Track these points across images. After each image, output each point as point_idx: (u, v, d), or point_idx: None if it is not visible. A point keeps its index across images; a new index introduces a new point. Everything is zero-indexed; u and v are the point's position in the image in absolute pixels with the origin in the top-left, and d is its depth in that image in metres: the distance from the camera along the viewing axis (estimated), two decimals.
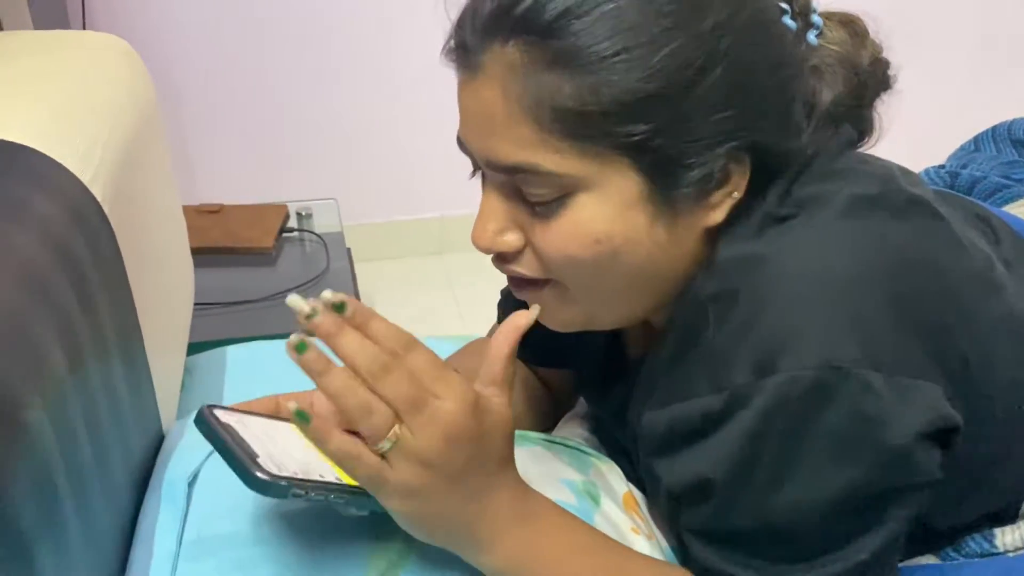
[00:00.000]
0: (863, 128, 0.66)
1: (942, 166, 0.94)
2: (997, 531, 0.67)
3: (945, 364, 0.57)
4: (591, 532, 0.63)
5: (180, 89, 2.06)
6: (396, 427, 0.52)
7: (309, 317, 0.52)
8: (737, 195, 0.60)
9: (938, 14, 2.46)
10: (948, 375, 0.57)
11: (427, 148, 2.12)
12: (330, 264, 1.55)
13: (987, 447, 0.62)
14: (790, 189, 0.61)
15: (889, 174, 0.63)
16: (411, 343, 0.54)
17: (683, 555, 0.67)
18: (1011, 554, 0.67)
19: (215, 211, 1.66)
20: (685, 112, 0.55)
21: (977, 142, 0.99)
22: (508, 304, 0.90)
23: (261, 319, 1.39)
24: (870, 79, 0.64)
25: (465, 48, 0.59)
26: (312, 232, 1.66)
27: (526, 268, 0.62)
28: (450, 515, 0.56)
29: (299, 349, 0.51)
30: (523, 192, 0.59)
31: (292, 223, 1.69)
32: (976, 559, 0.68)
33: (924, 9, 2.42)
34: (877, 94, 0.65)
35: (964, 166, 0.91)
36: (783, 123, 0.60)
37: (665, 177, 0.57)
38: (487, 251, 0.63)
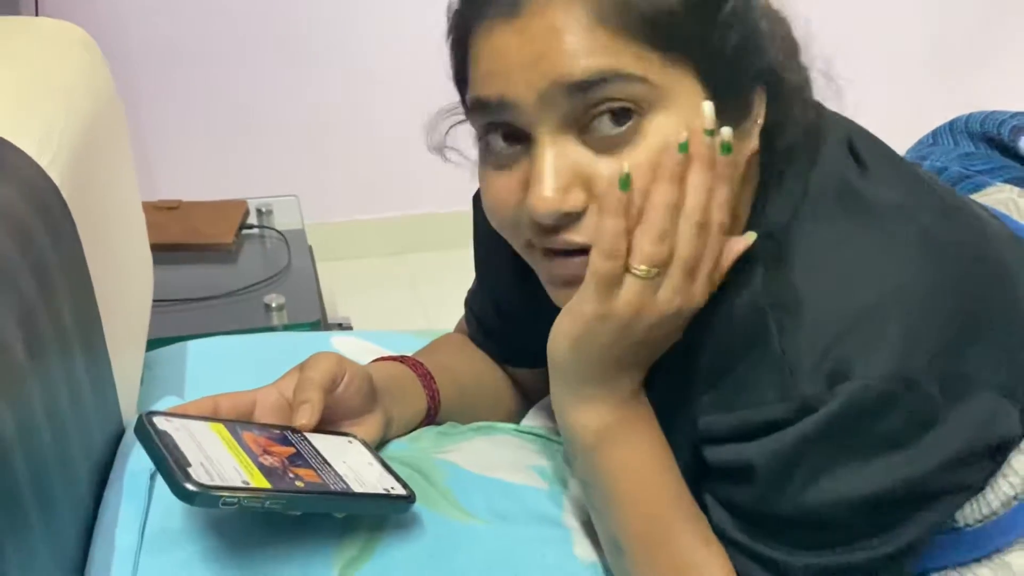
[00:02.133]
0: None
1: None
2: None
3: (1005, 362, 0.58)
4: (674, 465, 0.64)
5: (138, 82, 2.03)
6: (659, 270, 0.56)
7: (711, 132, 0.55)
8: (760, 122, 0.61)
9: (892, 20, 2.51)
10: (1007, 374, 0.58)
11: (389, 147, 2.11)
12: (291, 261, 1.53)
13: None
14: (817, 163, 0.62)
15: (916, 169, 0.66)
16: (721, 231, 0.57)
17: None
18: (969, 528, 0.68)
19: (174, 207, 1.64)
20: (745, 27, 0.58)
21: (935, 136, 1.00)
22: (475, 303, 0.90)
23: (221, 316, 1.37)
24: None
25: None
26: (273, 229, 1.64)
27: (587, 232, 0.58)
28: (605, 357, 0.59)
29: (681, 148, 0.55)
30: (589, 128, 0.57)
31: (252, 220, 1.67)
32: (936, 535, 0.69)
33: (878, 16, 2.47)
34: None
35: (924, 158, 0.92)
36: (791, 53, 0.62)
37: (725, 93, 0.57)
38: (554, 215, 0.57)
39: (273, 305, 1.36)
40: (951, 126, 0.98)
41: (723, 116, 0.57)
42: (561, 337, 0.60)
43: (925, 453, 0.55)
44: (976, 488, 0.59)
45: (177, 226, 1.56)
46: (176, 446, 0.56)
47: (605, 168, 0.57)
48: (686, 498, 0.64)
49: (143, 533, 0.63)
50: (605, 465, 0.63)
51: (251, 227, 1.64)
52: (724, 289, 0.61)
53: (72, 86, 0.80)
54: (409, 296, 2.20)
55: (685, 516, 0.64)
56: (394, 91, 2.07)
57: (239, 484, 0.55)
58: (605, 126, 0.56)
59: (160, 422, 0.58)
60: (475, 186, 0.69)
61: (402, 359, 0.82)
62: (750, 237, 0.60)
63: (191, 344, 1.04)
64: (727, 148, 0.56)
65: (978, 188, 0.81)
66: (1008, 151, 0.87)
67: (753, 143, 0.61)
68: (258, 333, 1.23)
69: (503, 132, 0.60)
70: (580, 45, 0.55)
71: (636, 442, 0.63)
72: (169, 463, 0.54)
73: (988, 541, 0.67)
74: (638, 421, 0.63)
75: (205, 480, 0.53)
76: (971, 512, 0.68)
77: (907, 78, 2.58)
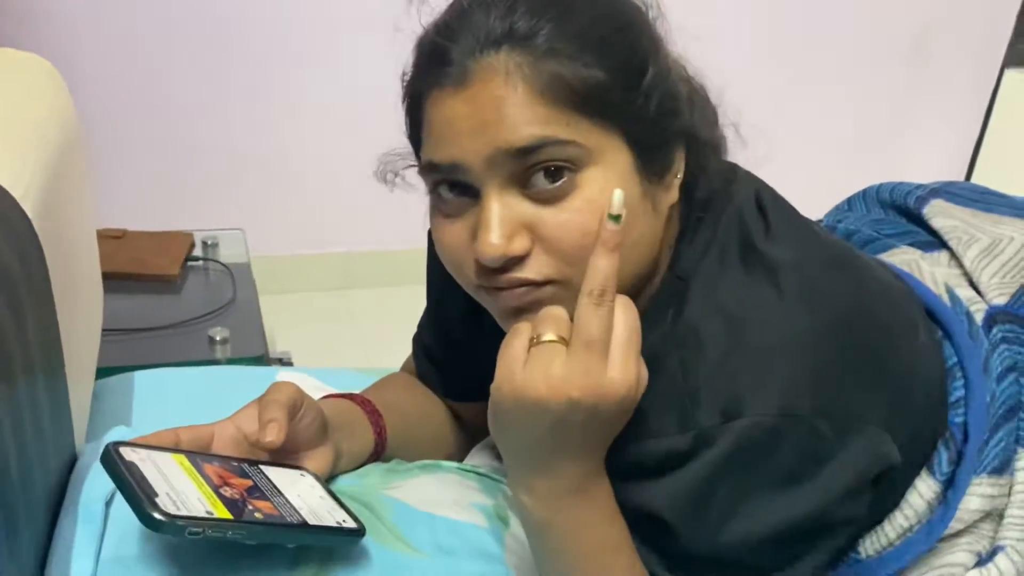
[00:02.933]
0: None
1: (820, 221, 1.03)
2: (859, 539, 0.75)
3: (888, 405, 0.64)
4: (621, 523, 0.66)
5: (84, 110, 2.02)
6: (563, 343, 0.59)
7: (617, 218, 0.59)
8: (680, 176, 0.67)
9: (816, 103, 2.68)
10: (891, 415, 0.64)
11: (336, 183, 2.14)
12: (236, 294, 1.54)
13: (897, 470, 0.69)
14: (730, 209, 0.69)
15: (812, 226, 0.72)
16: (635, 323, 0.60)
17: None
18: (869, 558, 0.74)
19: (118, 236, 1.64)
20: (664, 93, 0.64)
21: (850, 202, 1.09)
22: (425, 334, 0.94)
23: (165, 347, 1.38)
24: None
25: (452, 64, 0.63)
26: (218, 261, 1.65)
27: (531, 270, 0.63)
28: (533, 437, 0.60)
29: (616, 219, 0.60)
30: (529, 184, 0.62)
31: (198, 251, 1.67)
32: (839, 565, 0.74)
33: (807, 97, 2.63)
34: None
35: (839, 221, 1.00)
36: (705, 110, 0.69)
37: (646, 152, 0.64)
38: (499, 259, 0.62)
39: (218, 338, 1.37)
40: (864, 194, 1.06)
41: (647, 171, 0.64)
42: (495, 404, 0.63)
43: (824, 485, 0.60)
44: (864, 516, 0.64)
45: (122, 255, 1.55)
46: (143, 477, 0.58)
47: (546, 216, 0.63)
48: (628, 549, 0.67)
49: (98, 559, 0.64)
50: (555, 532, 0.65)
51: (196, 259, 1.64)
52: (645, 324, 0.66)
53: (42, 118, 0.82)
54: (350, 332, 2.21)
55: (626, 571, 0.67)
56: (343, 128, 2.10)
57: (203, 515, 0.57)
58: (543, 182, 0.62)
59: (127, 452, 0.60)
60: (421, 224, 0.74)
61: (351, 396, 0.85)
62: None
63: (137, 375, 1.06)
64: (616, 219, 0.60)
65: (885, 249, 0.89)
66: (913, 218, 0.95)
67: (673, 195, 0.67)
68: (202, 366, 1.24)
69: (452, 185, 0.66)
70: (520, 116, 0.61)
71: (587, 509, 0.65)
72: (137, 493, 0.56)
73: (885, 568, 0.74)
74: (595, 489, 0.65)
75: (172, 510, 0.55)
76: (871, 544, 0.75)
77: (831, 150, 2.74)
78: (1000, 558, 0.73)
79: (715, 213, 0.69)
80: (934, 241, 0.92)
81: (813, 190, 1.23)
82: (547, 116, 0.61)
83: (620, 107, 0.63)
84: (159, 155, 2.18)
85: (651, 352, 0.65)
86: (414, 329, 0.95)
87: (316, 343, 2.06)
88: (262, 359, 1.38)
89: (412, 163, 0.74)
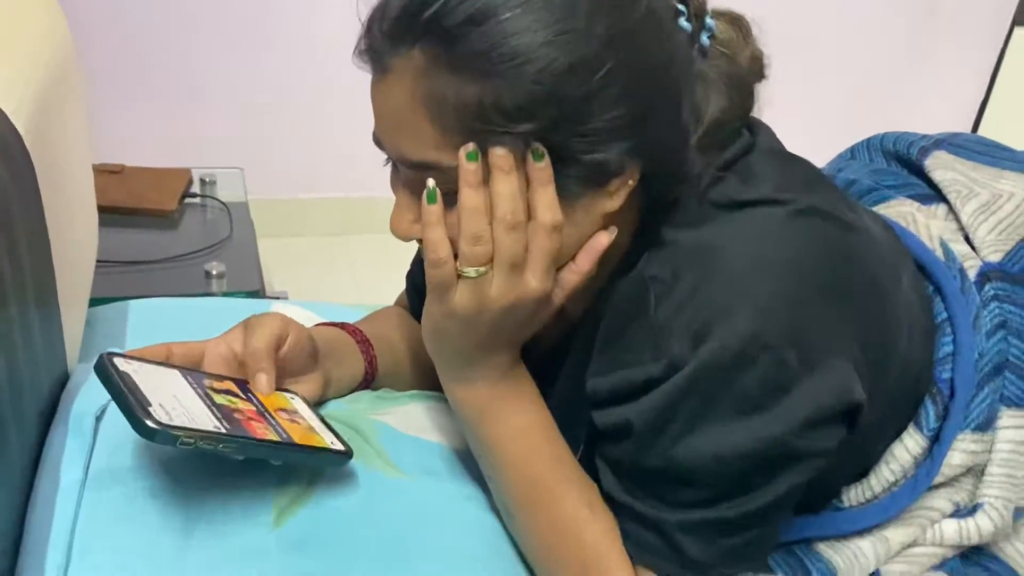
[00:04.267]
0: (752, 123, 0.73)
1: (822, 168, 1.03)
2: (844, 489, 0.76)
3: (860, 345, 0.64)
4: (556, 435, 0.71)
5: (84, 42, 2.01)
6: (487, 268, 0.62)
7: (471, 157, 0.60)
8: (632, 183, 0.64)
9: (828, 52, 2.64)
10: (861, 354, 0.64)
11: (335, 129, 2.13)
12: (233, 232, 1.55)
13: (873, 417, 0.69)
14: (722, 183, 0.67)
15: (816, 178, 0.71)
16: (554, 228, 0.62)
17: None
18: (853, 508, 0.75)
19: (116, 171, 1.64)
20: (578, 109, 0.60)
21: (853, 151, 1.08)
22: (416, 275, 0.94)
23: (161, 280, 1.39)
24: (750, 78, 0.70)
25: (374, 51, 0.63)
26: (216, 199, 1.65)
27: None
28: (463, 344, 0.67)
29: (469, 157, 0.60)
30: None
31: (195, 189, 1.67)
32: (822, 513, 0.75)
33: (816, 47, 2.59)
34: (754, 85, 0.71)
35: (840, 170, 1.00)
36: (672, 122, 0.65)
37: (558, 165, 0.61)
38: (405, 239, 0.68)
39: (214, 272, 1.37)
40: (867, 143, 1.06)
41: (570, 177, 0.62)
42: (424, 332, 0.69)
43: (783, 416, 0.61)
44: (832, 453, 0.64)
45: (119, 190, 1.56)
46: (136, 386, 0.59)
47: (448, 219, 0.64)
48: (567, 463, 0.70)
49: (87, 470, 0.65)
50: (486, 436, 0.70)
51: (194, 195, 1.65)
52: (617, 274, 0.68)
53: (37, 41, 0.82)
54: (346, 276, 2.22)
55: (567, 480, 0.69)
56: (346, 74, 2.08)
57: (195, 426, 0.58)
58: (441, 188, 0.63)
59: (120, 363, 0.61)
60: None
61: (342, 326, 0.86)
62: (611, 233, 0.66)
63: (132, 303, 1.06)
64: (538, 156, 0.61)
65: (883, 200, 0.89)
66: (914, 169, 0.95)
67: (612, 203, 0.64)
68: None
69: None
70: (411, 134, 0.62)
71: (512, 414, 0.70)
72: (130, 401, 0.57)
73: (868, 519, 0.75)
74: (513, 395, 0.70)
75: (164, 420, 0.56)
76: (855, 495, 0.76)
77: (839, 100, 2.72)
78: (980, 515, 0.75)
79: (692, 191, 0.67)
80: (933, 194, 0.91)
81: (820, 137, 1.23)
82: (435, 139, 0.61)
83: (532, 132, 0.60)
84: (159, 92, 2.17)
85: (626, 291, 0.66)
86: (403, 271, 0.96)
87: (312, 286, 2.07)
88: (258, 295, 1.39)
89: None
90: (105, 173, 1.61)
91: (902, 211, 0.87)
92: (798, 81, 2.56)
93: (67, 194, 0.85)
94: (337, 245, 2.36)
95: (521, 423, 0.70)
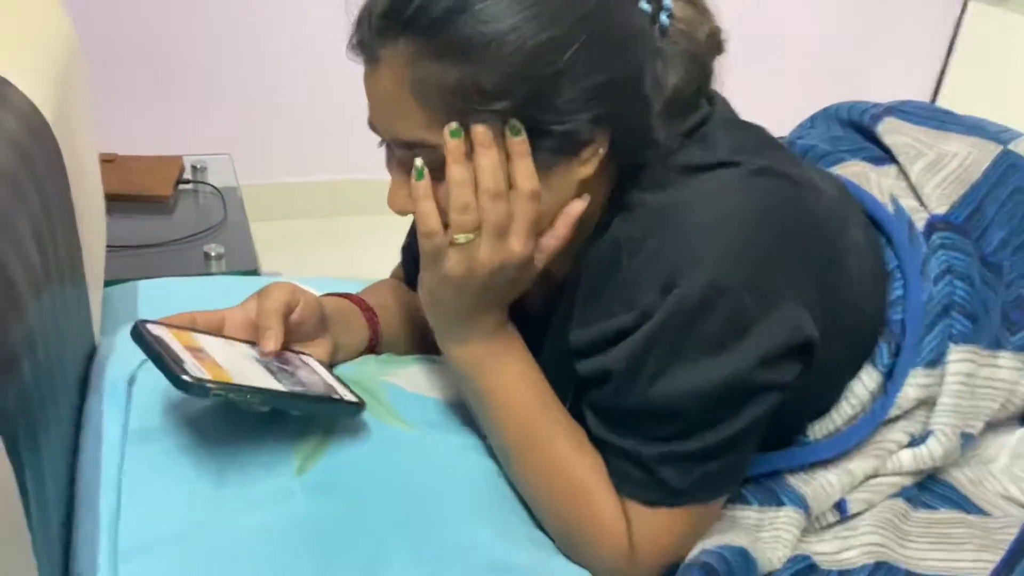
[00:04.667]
0: (710, 94, 0.80)
1: (783, 137, 1.11)
2: (809, 425, 0.84)
3: (813, 289, 0.72)
4: (544, 385, 0.78)
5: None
6: (474, 234, 0.70)
7: (455, 134, 0.68)
8: (602, 152, 0.71)
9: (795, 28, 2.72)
10: (818, 302, 0.72)
11: (322, 112, 2.18)
12: (227, 216, 1.61)
13: (830, 357, 0.77)
14: (684, 150, 0.74)
15: (768, 142, 0.79)
16: (533, 195, 0.69)
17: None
18: (818, 441, 0.83)
19: (110, 160, 1.69)
20: (549, 85, 0.67)
21: (813, 120, 1.16)
22: (412, 246, 1.01)
23: (162, 263, 1.45)
24: (708, 52, 0.77)
25: (364, 45, 0.70)
26: (208, 184, 1.70)
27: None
28: (457, 306, 0.74)
29: (453, 134, 0.67)
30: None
31: (188, 175, 1.73)
32: (791, 448, 0.83)
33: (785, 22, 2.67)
34: (713, 59, 0.78)
35: (800, 137, 1.08)
36: (635, 94, 0.72)
37: (534, 138, 0.69)
38: (401, 214, 0.75)
39: (213, 254, 1.44)
40: (825, 112, 1.14)
41: (544, 148, 0.69)
42: (422, 298, 0.77)
43: (744, 353, 0.68)
44: (790, 386, 0.72)
45: (115, 178, 1.61)
46: (169, 347, 0.66)
47: (438, 192, 0.71)
48: (555, 409, 0.78)
49: (126, 428, 0.72)
50: (481, 388, 0.78)
51: (187, 182, 1.70)
52: (594, 236, 0.75)
53: (52, 38, 0.88)
54: (337, 258, 2.28)
55: (555, 423, 0.77)
56: (330, 61, 2.13)
57: (225, 380, 0.65)
58: (432, 164, 0.70)
59: (152, 328, 0.67)
60: None
61: (347, 296, 0.93)
62: (585, 200, 0.73)
63: (142, 284, 1.13)
64: (516, 131, 0.68)
65: (838, 162, 0.97)
66: (868, 135, 1.03)
67: (585, 170, 0.72)
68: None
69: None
70: (402, 116, 0.69)
71: (504, 367, 0.77)
72: (166, 359, 0.64)
73: (832, 449, 0.83)
74: (504, 350, 0.77)
75: (197, 374, 0.63)
76: (820, 429, 0.84)
77: (800, 71, 2.81)
78: (931, 441, 0.83)
79: (658, 158, 0.74)
80: (885, 156, 1.00)
81: (787, 106, 1.29)
82: (423, 120, 0.68)
83: (511, 108, 0.67)
84: (147, 81, 2.21)
85: (602, 252, 0.73)
86: (398, 255, 1.03)
87: (305, 268, 2.12)
88: (255, 273, 1.45)
89: None
90: (100, 161, 1.66)
91: (856, 171, 0.95)
92: (767, 56, 2.64)
93: (85, 181, 0.91)
94: (327, 227, 2.41)
95: (512, 374, 0.77)
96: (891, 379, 0.82)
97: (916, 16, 2.88)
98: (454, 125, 0.68)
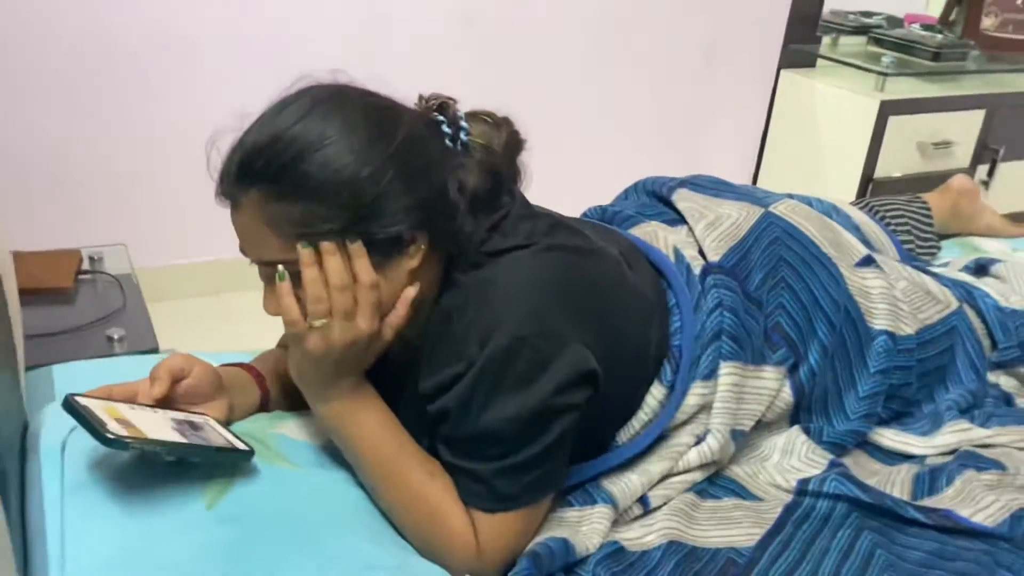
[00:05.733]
0: (513, 186, 1.02)
1: (600, 205, 1.37)
2: (617, 434, 1.06)
3: (596, 334, 0.94)
4: (398, 429, 0.97)
5: None
6: (327, 320, 0.89)
7: (305, 246, 0.87)
8: (424, 247, 0.91)
9: (629, 97, 3.02)
10: (598, 341, 0.94)
11: (208, 198, 2.32)
12: (126, 302, 1.75)
13: (621, 384, 1.00)
14: (490, 239, 0.95)
15: (555, 225, 1.01)
16: (372, 284, 0.89)
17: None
18: (622, 445, 1.06)
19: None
20: (373, 207, 0.87)
21: (627, 192, 1.44)
22: None
23: (69, 348, 1.57)
24: (508, 155, 0.99)
25: (226, 194, 0.91)
26: (106, 273, 1.84)
27: None
28: (317, 375, 0.93)
29: (304, 246, 0.88)
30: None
31: (86, 266, 1.86)
32: (608, 450, 1.06)
33: (618, 93, 2.97)
34: (515, 156, 1.00)
35: (613, 205, 1.35)
36: (443, 201, 0.93)
37: (368, 244, 0.88)
38: (273, 315, 0.93)
39: (115, 337, 1.58)
40: (635, 186, 1.42)
41: (377, 250, 0.89)
42: (291, 371, 0.96)
43: (545, 385, 0.90)
44: (585, 406, 0.94)
45: (19, 273, 1.72)
46: (93, 413, 0.83)
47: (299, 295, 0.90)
48: (408, 447, 0.97)
49: (63, 483, 0.89)
50: (346, 437, 0.96)
51: (86, 272, 1.84)
52: (432, 308, 0.96)
53: None
54: (227, 331, 2.42)
55: (409, 458, 0.96)
56: (214, 151, 2.28)
57: (141, 436, 0.83)
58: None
59: (79, 400, 0.85)
60: None
61: (240, 364, 1.12)
62: (416, 286, 0.93)
63: (55, 368, 1.27)
64: (352, 240, 0.88)
65: (638, 223, 1.24)
66: (666, 203, 1.31)
67: (412, 263, 0.92)
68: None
69: None
70: (261, 244, 0.90)
71: (363, 419, 0.96)
72: (92, 423, 0.82)
73: (635, 448, 1.05)
74: (361, 406, 0.96)
75: (118, 432, 0.81)
76: (624, 434, 1.07)
77: (635, 149, 3.13)
78: (709, 438, 1.07)
79: (472, 243, 0.95)
80: (679, 219, 1.27)
81: (634, 175, 1.53)
82: (277, 245, 0.88)
83: (344, 227, 0.87)
84: (39, 180, 2.33)
85: (437, 320, 0.94)
86: (280, 325, 1.21)
87: (199, 343, 2.26)
88: (155, 351, 1.60)
89: None
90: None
91: (648, 230, 1.21)
92: (597, 137, 2.94)
93: (8, 278, 1.08)
94: (214, 304, 2.55)
95: (370, 424, 0.96)
96: (674, 391, 1.06)
97: (739, 89, 3.23)
98: (305, 243, 0.87)
